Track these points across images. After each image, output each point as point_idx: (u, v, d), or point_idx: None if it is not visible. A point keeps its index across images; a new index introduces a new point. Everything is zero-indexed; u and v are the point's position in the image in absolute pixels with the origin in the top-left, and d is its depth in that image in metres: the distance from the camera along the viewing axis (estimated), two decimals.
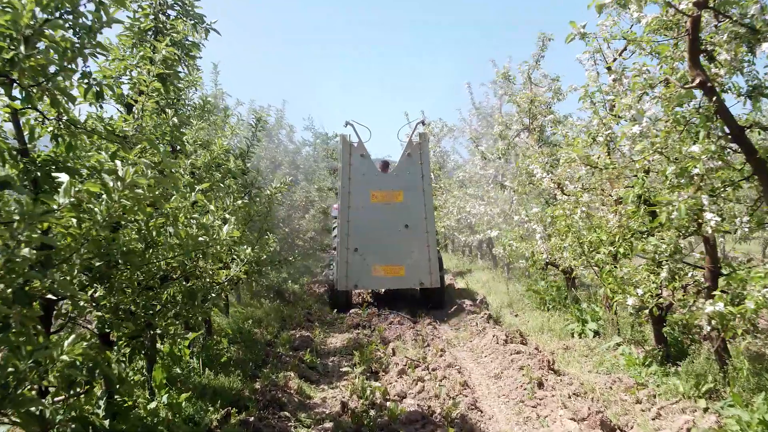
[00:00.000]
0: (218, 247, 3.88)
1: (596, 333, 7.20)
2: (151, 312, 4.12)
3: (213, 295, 5.02)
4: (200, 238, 3.66)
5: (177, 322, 4.13)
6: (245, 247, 5.70)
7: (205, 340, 6.46)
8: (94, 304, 3.58)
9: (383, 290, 11.80)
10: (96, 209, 2.36)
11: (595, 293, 8.24)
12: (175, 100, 6.08)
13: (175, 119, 4.21)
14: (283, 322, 8.78)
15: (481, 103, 15.32)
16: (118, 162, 2.44)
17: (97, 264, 2.99)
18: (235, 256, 5.84)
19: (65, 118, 3.15)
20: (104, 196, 2.53)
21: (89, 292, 3.54)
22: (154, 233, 3.66)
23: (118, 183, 2.36)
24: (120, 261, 3.13)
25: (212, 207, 4.00)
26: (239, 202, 4.68)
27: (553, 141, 8.66)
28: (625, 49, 7.20)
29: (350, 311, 9.77)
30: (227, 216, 3.90)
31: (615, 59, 6.87)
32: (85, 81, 3.16)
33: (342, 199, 10.39)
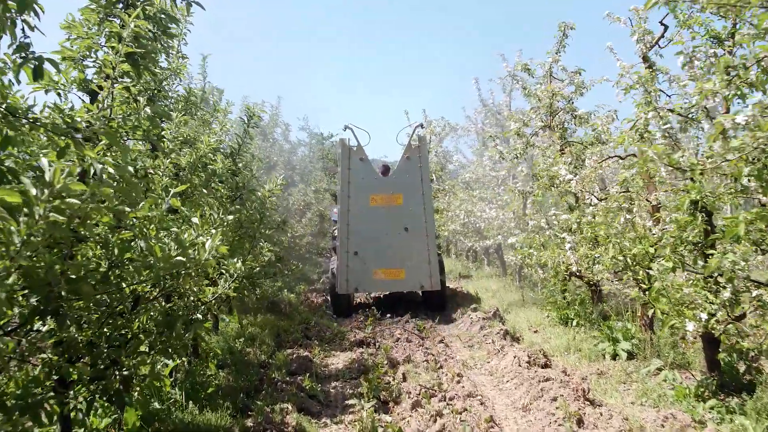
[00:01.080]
0: (200, 268, 3.15)
1: (630, 354, 6.49)
2: (117, 344, 3.40)
3: (198, 317, 4.28)
4: (176, 258, 2.93)
5: (149, 360, 3.39)
6: (235, 260, 4.98)
7: (190, 365, 5.73)
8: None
9: (382, 294, 11.83)
10: (12, 227, 1.63)
11: (627, 308, 7.53)
12: (155, 91, 5.37)
13: (148, 109, 3.47)
14: (278, 338, 8.06)
15: (487, 101, 14.61)
16: (44, 161, 1.71)
17: (34, 300, 2.26)
18: (224, 270, 5.13)
19: (3, 106, 2.44)
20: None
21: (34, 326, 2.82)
22: (116, 251, 2.94)
23: (44, 191, 1.63)
24: (66, 291, 2.40)
25: (197, 219, 3.26)
26: (230, 217, 3.92)
27: (576, 139, 7.95)
28: (662, 36, 6.54)
29: (351, 325, 9.08)
30: (213, 231, 3.16)
31: (655, 45, 6.19)
32: (21, 55, 2.43)
33: (341, 202, 10.48)
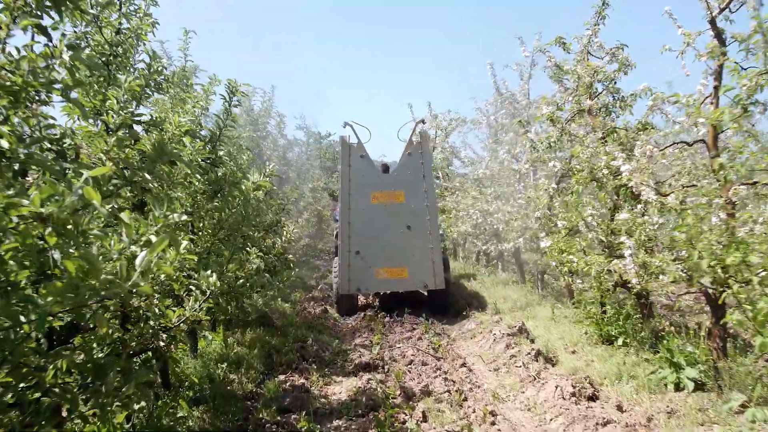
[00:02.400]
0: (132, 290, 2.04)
1: (698, 384, 5.39)
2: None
3: (151, 357, 3.23)
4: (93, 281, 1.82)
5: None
6: (209, 273, 3.86)
7: (156, 402, 4.63)
8: None
9: (382, 293, 11.78)
10: None
11: (685, 325, 6.42)
12: (110, 56, 4.28)
13: (66, 56, 2.37)
14: (269, 359, 6.95)
15: (500, 90, 13.49)
16: None
17: None
18: (193, 287, 4.01)
19: None
20: None
21: None
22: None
23: None
24: None
25: (126, 217, 2.15)
26: (184, 217, 2.77)
27: (622, 124, 6.84)
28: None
29: (355, 342, 7.99)
30: (152, 238, 2.04)
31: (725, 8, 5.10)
32: None
33: (342, 201, 10.46)
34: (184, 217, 2.14)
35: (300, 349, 7.38)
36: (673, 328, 6.32)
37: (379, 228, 10.32)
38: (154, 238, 2.04)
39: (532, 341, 7.88)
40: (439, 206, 16.11)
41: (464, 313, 10.22)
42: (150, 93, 4.52)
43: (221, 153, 5.69)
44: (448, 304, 10.77)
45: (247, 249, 6.25)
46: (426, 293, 11.11)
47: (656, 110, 5.77)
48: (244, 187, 4.93)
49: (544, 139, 7.43)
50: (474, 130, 17.01)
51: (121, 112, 3.38)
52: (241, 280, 5.31)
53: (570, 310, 8.85)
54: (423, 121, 12.29)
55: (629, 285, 6.52)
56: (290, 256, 8.27)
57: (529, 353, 6.85)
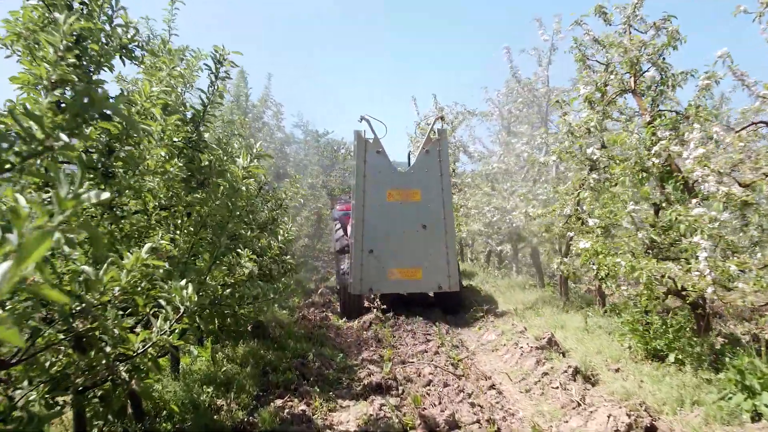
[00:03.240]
0: None
1: None
2: None
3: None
4: None
5: None
6: (183, 283, 2.99)
7: None
8: None
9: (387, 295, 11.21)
10: None
11: (753, 341, 5.56)
12: None
13: None
14: (264, 379, 6.07)
15: (517, 76, 12.59)
16: None
17: None
18: (163, 301, 3.13)
19: None
20: None
21: None
22: None
23: None
24: None
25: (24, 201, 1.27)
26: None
27: (669, 105, 5.97)
28: None
29: (362, 356, 7.12)
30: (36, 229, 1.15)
31: None
32: None
33: (356, 197, 10.22)
34: (105, 195, 1.26)
35: (300, 366, 6.49)
36: (731, 343, 5.45)
37: (394, 227, 10.12)
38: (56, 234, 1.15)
39: (564, 354, 7.01)
40: None
41: (480, 320, 9.35)
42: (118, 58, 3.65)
43: (206, 136, 4.81)
44: (459, 307, 10.60)
45: (239, 251, 5.39)
46: (433, 295, 10.98)
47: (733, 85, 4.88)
48: (230, 175, 4.04)
49: (581, 123, 6.55)
50: (484, 122, 16.04)
51: (59, 64, 2.49)
52: (228, 290, 4.44)
53: (603, 318, 7.97)
54: (443, 118, 12.04)
55: (684, 293, 5.66)
56: (289, 258, 7.40)
57: (565, 371, 5.98)
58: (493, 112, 15.14)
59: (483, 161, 15.73)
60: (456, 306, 10.54)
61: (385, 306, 10.26)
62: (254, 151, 4.50)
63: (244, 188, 4.10)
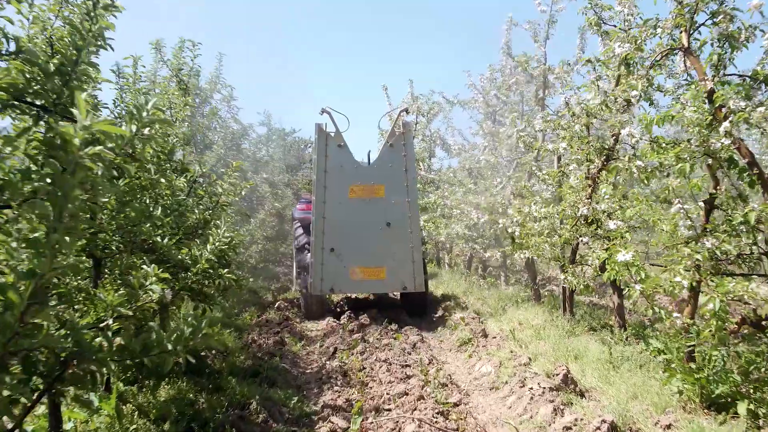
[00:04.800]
0: None
1: None
2: None
3: None
4: None
5: None
6: None
7: None
8: None
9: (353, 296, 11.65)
10: None
11: None
12: None
13: None
14: None
15: (497, 64, 11.11)
16: None
17: None
18: None
19: None
20: None
21: None
22: None
23: None
24: None
25: None
26: None
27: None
28: None
29: (324, 402, 5.55)
30: None
31: None
32: None
33: (317, 193, 10.05)
34: None
35: (237, 420, 4.86)
36: None
37: (357, 224, 9.93)
38: None
39: (583, 395, 5.55)
40: (420, 203, 14.67)
41: (470, 344, 7.84)
42: None
43: (83, 95, 3.18)
44: (426, 309, 10.60)
45: (144, 266, 3.84)
46: (399, 296, 10.89)
47: None
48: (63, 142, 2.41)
49: (619, 93, 5.06)
50: (467, 111, 14.55)
51: None
52: (99, 338, 2.83)
53: (628, 347, 6.53)
54: (407, 111, 11.72)
55: (764, 323, 4.21)
56: (227, 272, 5.76)
57: (597, 428, 4.49)
58: (476, 99, 13.65)
59: (464, 155, 14.24)
60: (422, 308, 10.50)
61: (349, 311, 9.78)
62: (146, 113, 2.88)
63: (87, 163, 2.44)
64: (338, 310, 11.26)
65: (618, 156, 7.18)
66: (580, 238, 6.99)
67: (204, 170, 6.21)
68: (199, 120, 8.48)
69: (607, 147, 7.16)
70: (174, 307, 6.26)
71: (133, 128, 2.83)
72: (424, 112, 17.81)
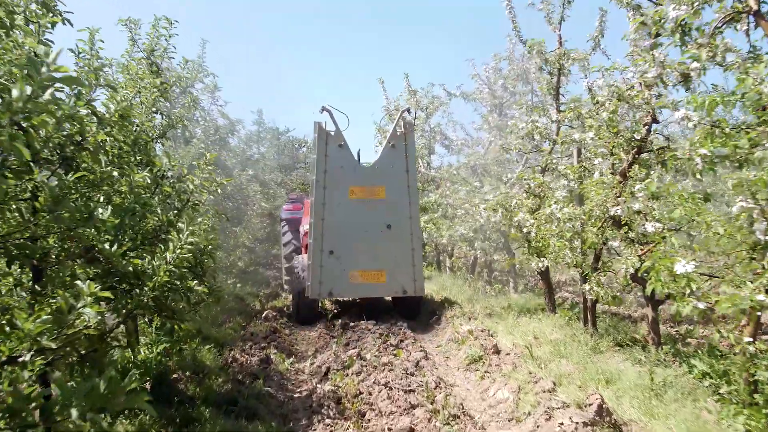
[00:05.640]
0: None
1: None
2: None
3: None
4: None
5: None
6: None
7: None
8: None
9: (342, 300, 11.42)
10: None
11: None
12: None
13: None
14: None
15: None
16: None
17: None
18: None
19: None
20: None
21: None
22: None
23: None
24: None
25: None
26: None
27: None
28: None
29: None
30: None
31: None
32: None
33: (316, 194, 9.92)
34: None
35: None
36: None
37: (356, 226, 9.80)
38: None
39: (620, 431, 4.71)
40: (420, 203, 14.07)
41: (480, 362, 6.99)
42: None
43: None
44: (419, 312, 10.50)
45: (78, 282, 3.06)
46: (391, 299, 10.90)
47: None
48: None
49: (676, 66, 4.21)
50: (471, 103, 13.67)
51: None
52: None
53: (668, 369, 5.68)
54: (409, 111, 11.63)
55: None
56: (196, 284, 4.91)
57: None
58: (481, 90, 12.78)
59: (467, 151, 13.40)
60: (416, 311, 10.43)
61: (342, 320, 9.36)
62: (45, 68, 2.02)
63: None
64: (329, 313, 10.82)
65: (651, 147, 6.36)
66: (609, 242, 6.15)
67: (173, 163, 5.35)
68: (179, 111, 7.57)
69: (638, 138, 6.33)
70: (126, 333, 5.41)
71: (28, 90, 1.97)
72: (423, 107, 17.00)
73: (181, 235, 3.86)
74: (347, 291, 10.04)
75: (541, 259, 7.16)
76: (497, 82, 12.52)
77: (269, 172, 23.19)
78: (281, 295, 13.56)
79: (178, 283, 4.43)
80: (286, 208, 14.64)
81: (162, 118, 7.66)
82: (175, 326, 5.08)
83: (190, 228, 4.05)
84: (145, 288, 3.90)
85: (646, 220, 5.70)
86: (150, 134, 6.33)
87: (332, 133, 10.07)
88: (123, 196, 4.56)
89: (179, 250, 3.82)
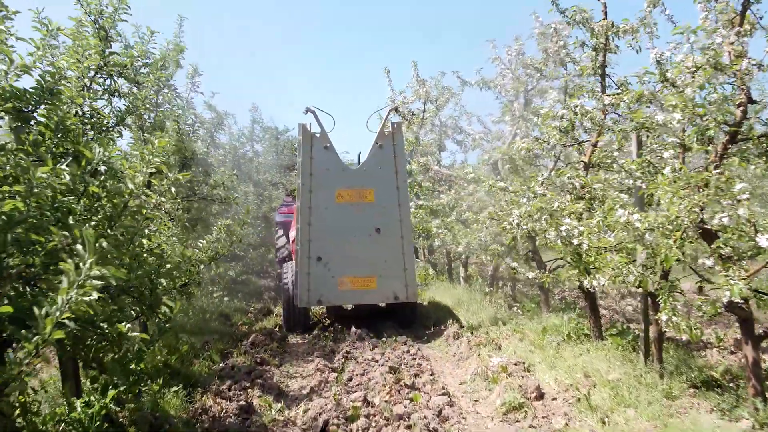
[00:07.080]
0: None
1: None
2: None
3: None
4: None
5: None
6: None
7: None
8: None
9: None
10: None
11: None
12: None
13: None
14: None
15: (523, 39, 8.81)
16: None
17: None
18: None
19: None
20: None
21: None
22: None
23: None
24: None
25: None
26: None
27: None
28: None
29: None
30: None
31: None
32: None
33: (302, 198, 9.78)
34: None
35: None
36: None
37: (345, 231, 9.68)
38: None
39: None
40: (429, 206, 13.81)
41: (520, 411, 5.54)
42: None
43: None
44: (415, 319, 10.33)
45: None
46: (386, 306, 10.72)
47: None
48: None
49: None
50: (491, 91, 12.25)
51: None
52: None
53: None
54: (397, 110, 11.56)
55: None
56: (156, 314, 3.50)
57: None
58: (504, 75, 11.35)
59: (486, 146, 11.99)
60: (412, 319, 10.25)
61: (344, 352, 7.97)
62: None
63: None
64: (322, 323, 10.71)
65: (748, 134, 4.92)
66: (700, 260, 4.71)
67: (110, 153, 3.91)
68: (143, 93, 6.22)
69: (730, 122, 4.89)
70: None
71: None
72: (433, 99, 15.56)
73: (79, 268, 2.40)
74: (337, 298, 9.83)
75: (596, 276, 5.70)
76: (520, 66, 11.09)
77: (263, 171, 21.79)
78: (273, 312, 12.12)
79: (93, 329, 3.00)
80: (281, 211, 14.28)
81: (120, 100, 6.31)
82: (107, 381, 3.68)
83: (105, 249, 2.60)
84: (25, 347, 2.45)
85: (756, 230, 4.26)
86: (89, 116, 4.95)
87: (317, 135, 9.94)
88: (18, 200, 3.12)
89: (74, 293, 2.35)
